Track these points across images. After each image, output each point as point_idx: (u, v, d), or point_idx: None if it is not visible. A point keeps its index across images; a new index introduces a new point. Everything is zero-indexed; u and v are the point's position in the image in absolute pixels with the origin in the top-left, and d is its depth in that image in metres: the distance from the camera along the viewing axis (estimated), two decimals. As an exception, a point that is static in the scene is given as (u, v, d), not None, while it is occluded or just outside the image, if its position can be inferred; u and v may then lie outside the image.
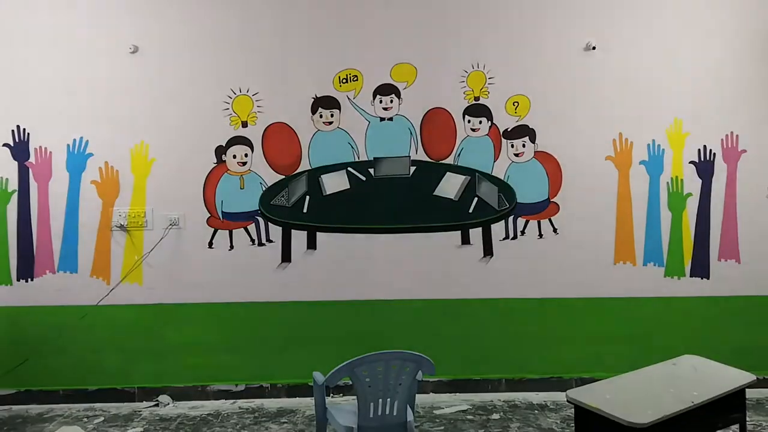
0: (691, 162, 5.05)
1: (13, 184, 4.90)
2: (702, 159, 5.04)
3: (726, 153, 5.05)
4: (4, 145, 4.88)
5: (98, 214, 4.92)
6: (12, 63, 4.86)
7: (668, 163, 5.04)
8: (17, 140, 4.88)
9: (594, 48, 4.97)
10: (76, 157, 4.90)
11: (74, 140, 4.90)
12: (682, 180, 5.04)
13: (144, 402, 4.91)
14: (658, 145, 5.03)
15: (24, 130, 4.88)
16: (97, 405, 4.88)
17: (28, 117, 4.89)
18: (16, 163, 4.89)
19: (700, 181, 5.06)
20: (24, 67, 4.86)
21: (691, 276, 5.06)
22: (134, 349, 4.94)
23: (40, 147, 4.90)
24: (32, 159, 4.90)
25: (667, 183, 5.04)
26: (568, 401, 3.17)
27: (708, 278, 5.06)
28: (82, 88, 4.88)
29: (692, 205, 5.06)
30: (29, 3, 4.85)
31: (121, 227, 4.91)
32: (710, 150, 5.04)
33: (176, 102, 4.91)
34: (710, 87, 5.02)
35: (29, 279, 4.90)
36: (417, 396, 3.63)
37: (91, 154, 4.91)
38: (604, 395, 3.11)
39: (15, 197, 4.90)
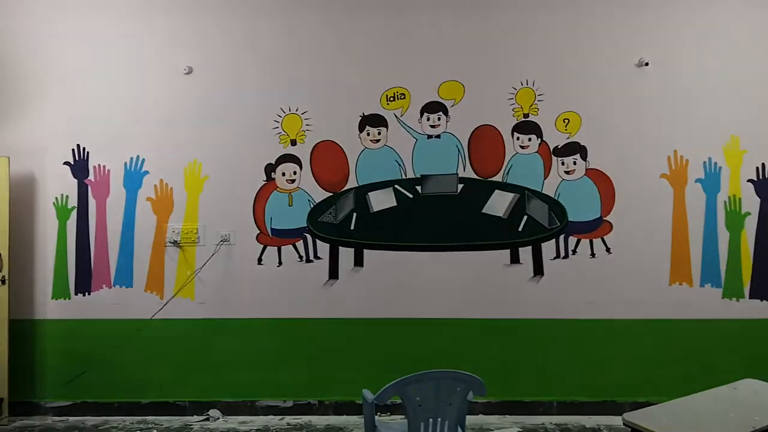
0: (749, 180, 4.89)
1: (73, 201, 5.07)
2: (760, 177, 4.88)
3: (786, 171, 4.89)
4: (65, 163, 5.07)
5: (153, 230, 5.05)
6: (72, 85, 5.07)
7: (725, 182, 4.90)
8: (77, 159, 5.06)
9: (647, 64, 4.88)
10: (132, 175, 5.06)
11: (131, 158, 5.05)
12: (740, 199, 4.89)
13: (195, 416, 4.98)
14: (715, 163, 4.89)
15: (84, 149, 5.06)
16: (150, 418, 4.98)
17: (87, 136, 5.07)
18: (76, 180, 5.07)
19: (759, 199, 4.89)
20: (83, 89, 5.06)
21: (750, 297, 4.89)
22: (186, 362, 5.03)
23: (99, 165, 5.07)
24: (91, 177, 5.07)
25: (725, 202, 4.89)
26: (624, 425, 3.07)
27: (769, 300, 4.89)
28: (139, 108, 5.05)
29: (751, 225, 4.89)
30: (88, 28, 5.06)
31: (175, 243, 5.02)
32: (769, 168, 4.89)
33: (228, 121, 5.03)
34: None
35: (87, 293, 5.05)
36: (466, 417, 3.58)
37: (146, 172, 5.05)
38: (662, 419, 3.01)
39: (74, 214, 5.06)
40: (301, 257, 5.01)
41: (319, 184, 5.01)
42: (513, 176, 4.97)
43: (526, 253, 4.98)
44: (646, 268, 4.92)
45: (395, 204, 4.98)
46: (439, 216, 4.97)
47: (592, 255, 4.95)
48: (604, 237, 4.95)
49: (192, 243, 5.04)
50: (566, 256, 4.96)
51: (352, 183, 5.01)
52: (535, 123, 4.96)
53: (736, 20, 4.90)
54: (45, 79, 5.06)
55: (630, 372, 4.91)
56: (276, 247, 5.02)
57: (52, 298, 5.05)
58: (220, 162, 5.03)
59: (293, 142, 5.02)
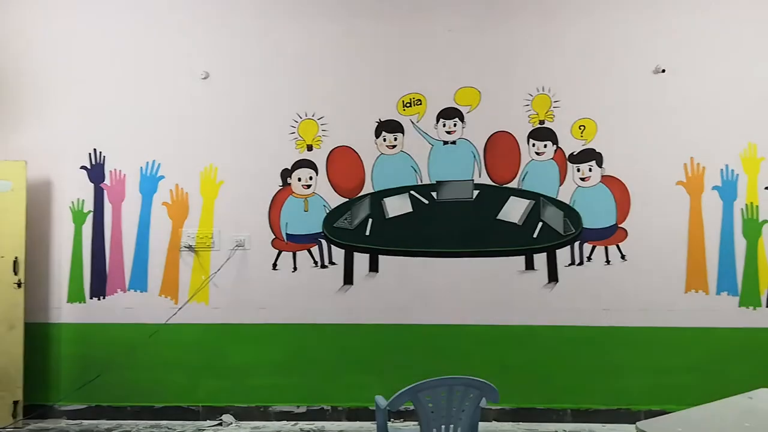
0: (766, 188, 4.87)
1: (89, 205, 5.10)
2: (778, 184, 4.87)
3: (804, 178, 4.86)
4: (82, 167, 5.09)
5: (168, 234, 5.07)
6: (89, 90, 5.09)
7: (742, 189, 4.88)
8: (94, 163, 5.09)
9: (663, 71, 4.88)
10: (148, 180, 5.08)
11: (147, 163, 5.07)
12: (757, 206, 4.87)
13: (208, 420, 4.98)
14: (732, 170, 4.88)
15: (100, 153, 5.09)
16: (163, 422, 4.98)
17: (104, 141, 5.10)
18: (92, 185, 5.10)
19: (777, 207, 4.88)
20: (101, 94, 5.09)
21: (767, 306, 4.85)
22: (200, 367, 5.03)
23: (115, 170, 5.09)
24: (107, 181, 5.09)
25: (742, 209, 4.87)
26: (638, 433, 3.06)
27: (786, 309, 4.85)
28: (156, 114, 5.08)
29: (769, 233, 4.88)
30: (106, 33, 5.10)
31: (190, 248, 5.03)
32: (787, 175, 4.87)
33: (244, 126, 5.05)
34: (787, 110, 4.87)
35: (101, 297, 5.07)
36: (479, 423, 3.56)
37: (162, 177, 5.07)
38: (676, 428, 3.00)
39: (90, 218, 5.08)
40: (316, 263, 5.02)
41: (334, 190, 5.02)
42: (528, 183, 4.96)
43: (540, 259, 4.96)
44: (661, 275, 4.90)
45: (411, 210, 4.98)
46: (455, 222, 4.96)
47: (607, 262, 4.93)
48: (619, 244, 4.93)
49: (207, 248, 5.05)
50: (581, 263, 4.95)
51: (367, 189, 5.01)
52: (551, 129, 4.96)
53: (753, 27, 4.89)
54: (62, 83, 5.10)
55: (645, 380, 4.89)
56: (291, 253, 5.03)
57: (68, 302, 5.06)
58: (236, 167, 5.05)
59: (309, 148, 5.03)
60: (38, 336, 5.00)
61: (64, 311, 5.06)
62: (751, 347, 4.84)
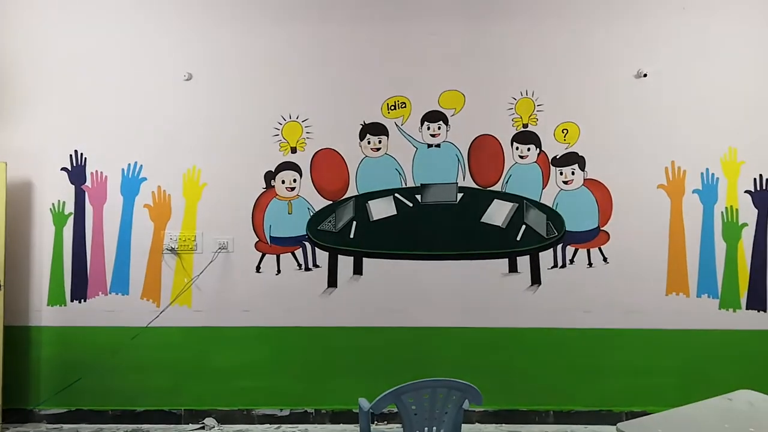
0: (746, 191, 4.93)
1: (70, 207, 5.03)
2: (758, 188, 4.92)
3: (783, 182, 4.93)
4: (62, 169, 5.03)
5: (150, 237, 5.02)
6: (70, 91, 5.03)
7: (723, 192, 4.93)
8: (74, 164, 5.03)
9: (645, 75, 4.92)
10: (130, 181, 5.03)
11: (129, 165, 5.03)
12: (737, 210, 4.92)
13: (190, 424, 4.95)
14: (712, 174, 4.93)
15: (81, 154, 5.03)
16: (145, 426, 4.94)
17: (85, 142, 5.04)
18: (73, 186, 5.04)
19: (756, 210, 4.93)
20: (82, 95, 5.03)
21: (747, 308, 4.91)
22: (182, 370, 4.99)
23: (96, 171, 5.04)
24: (88, 183, 5.04)
25: (722, 212, 4.93)
26: (619, 435, 3.08)
27: (765, 311, 4.90)
28: (139, 115, 5.02)
29: (748, 236, 4.93)
30: (86, 31, 5.04)
31: (172, 250, 5.00)
32: (766, 179, 4.91)
33: (228, 128, 5.02)
34: (765, 115, 4.92)
35: (82, 300, 5.01)
36: (462, 426, 3.57)
37: (144, 179, 5.03)
38: (656, 429, 3.02)
39: (71, 220, 5.03)
40: (300, 265, 5.00)
41: (319, 192, 5.00)
42: (512, 186, 4.98)
43: (524, 262, 4.99)
44: (643, 277, 4.94)
45: (395, 212, 4.98)
46: (439, 225, 4.97)
47: (590, 265, 4.97)
48: (602, 247, 4.97)
49: (189, 250, 5.01)
50: (564, 266, 4.98)
51: (352, 191, 5.00)
52: (534, 133, 4.98)
53: (735, 32, 4.95)
54: (43, 84, 5.03)
55: (626, 381, 4.93)
56: (275, 255, 5.00)
57: (48, 305, 5.00)
58: (219, 169, 5.01)
59: (293, 150, 5.01)
60: (18, 339, 4.93)
61: (45, 314, 5.00)
62: (731, 349, 4.89)
